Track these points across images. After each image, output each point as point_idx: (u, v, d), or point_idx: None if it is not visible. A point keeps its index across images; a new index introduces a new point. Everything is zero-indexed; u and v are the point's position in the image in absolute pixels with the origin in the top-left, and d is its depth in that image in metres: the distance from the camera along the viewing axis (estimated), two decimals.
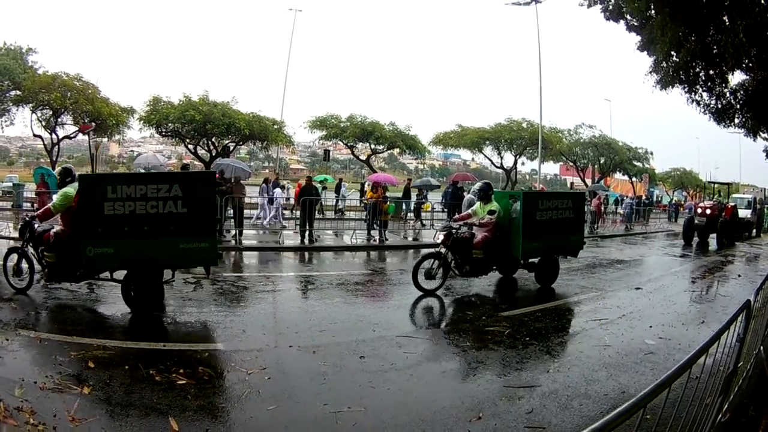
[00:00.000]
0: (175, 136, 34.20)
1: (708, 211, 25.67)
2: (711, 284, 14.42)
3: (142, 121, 32.98)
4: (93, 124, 30.85)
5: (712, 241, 25.37)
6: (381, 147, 42.58)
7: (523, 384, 6.10)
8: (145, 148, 77.80)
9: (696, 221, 25.89)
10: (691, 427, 3.15)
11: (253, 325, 8.30)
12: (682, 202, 51.85)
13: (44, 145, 34.03)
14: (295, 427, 4.95)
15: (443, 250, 10.88)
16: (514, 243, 11.53)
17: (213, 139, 33.52)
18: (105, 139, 36.09)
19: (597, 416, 5.11)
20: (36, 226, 9.31)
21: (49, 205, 9.26)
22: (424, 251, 12.56)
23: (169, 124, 32.39)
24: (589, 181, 51.72)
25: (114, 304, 8.88)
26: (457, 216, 12.89)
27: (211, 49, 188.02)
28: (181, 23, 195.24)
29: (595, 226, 27.92)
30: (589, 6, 12.57)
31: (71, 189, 8.87)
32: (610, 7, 12.38)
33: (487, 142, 45.82)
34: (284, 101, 62.40)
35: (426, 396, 5.74)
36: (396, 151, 46.81)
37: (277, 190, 24.33)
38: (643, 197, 47.87)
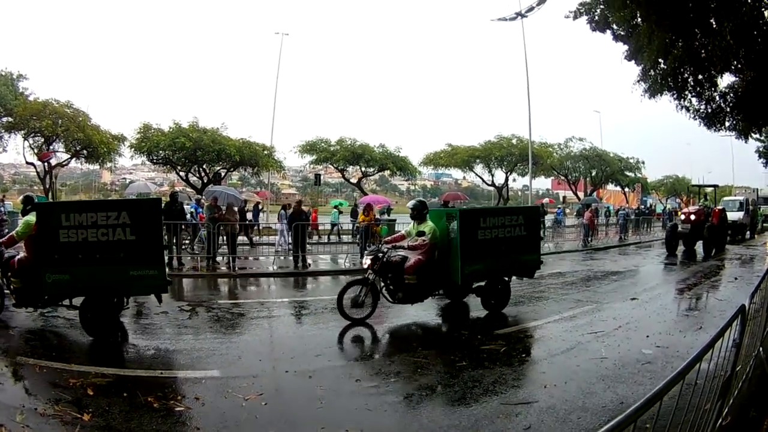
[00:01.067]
0: (166, 164, 34.40)
1: (692, 217, 23.94)
2: (706, 290, 14.39)
3: (133, 149, 33.24)
4: (52, 152, 31.28)
5: (701, 249, 24.12)
6: (372, 169, 42.93)
7: (521, 401, 6.08)
8: (137, 175, 77.68)
9: (680, 228, 24.18)
10: None
11: (249, 351, 8.27)
12: (678, 210, 51.93)
13: (37, 172, 34.18)
14: None
15: (371, 275, 10.12)
16: (453, 266, 10.50)
17: (204, 166, 33.76)
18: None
19: (595, 428, 5.13)
20: (3, 252, 9.57)
21: (13, 232, 9.67)
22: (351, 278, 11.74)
23: (160, 152, 32.62)
24: (581, 194, 52.04)
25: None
26: (388, 237, 11.76)
27: (199, 74, 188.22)
28: (169, 50, 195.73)
29: (589, 238, 27.88)
30: (575, 18, 12.68)
31: (32, 217, 9.08)
32: (596, 17, 12.47)
33: (478, 161, 46.08)
34: (273, 126, 62.75)
35: (423, 416, 5.72)
36: (387, 172, 47.18)
37: None
38: (640, 207, 48.15)
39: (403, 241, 10.66)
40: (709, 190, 31.41)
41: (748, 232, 32.71)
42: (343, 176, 44.67)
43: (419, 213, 10.57)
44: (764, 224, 39.98)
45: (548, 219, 36.03)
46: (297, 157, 42.20)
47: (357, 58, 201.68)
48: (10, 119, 31.58)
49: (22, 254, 9.39)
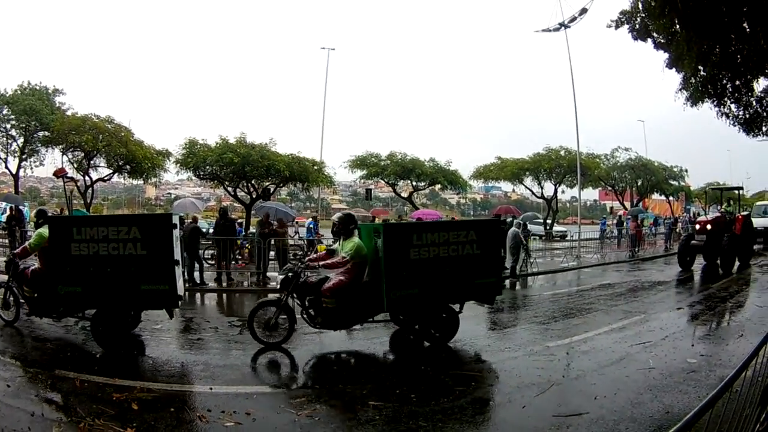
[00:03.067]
0: (213, 179, 34.13)
1: (708, 227, 20.20)
2: (747, 298, 14.54)
3: (178, 164, 32.80)
4: (66, 169, 30.74)
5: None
6: (422, 184, 42.70)
7: (572, 412, 6.09)
8: (183, 190, 77.91)
9: (695, 240, 20.49)
10: None
11: (301, 365, 8.30)
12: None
13: (77, 186, 33.82)
14: None
15: (284, 296, 9.18)
16: (382, 290, 9.02)
17: (252, 182, 33.21)
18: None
19: None
20: (19, 262, 9.93)
21: (26, 243, 10.12)
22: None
23: (207, 167, 32.20)
24: (628, 204, 51.45)
25: (157, 347, 9.06)
26: (313, 255, 10.63)
27: (245, 90, 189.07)
28: (213, 66, 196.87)
29: (636, 249, 27.60)
30: (617, 27, 12.70)
31: (45, 230, 9.26)
32: (637, 26, 12.45)
33: (527, 173, 45.90)
34: (323, 141, 62.93)
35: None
36: (437, 186, 47.03)
37: None
38: (686, 215, 47.42)
39: (328, 260, 9.35)
40: (725, 192, 28.25)
41: None
42: (394, 191, 44.37)
43: (344, 228, 9.38)
44: None
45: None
46: (347, 172, 42.24)
47: (404, 72, 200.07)
48: (47, 134, 31.99)
49: (36, 265, 9.75)
